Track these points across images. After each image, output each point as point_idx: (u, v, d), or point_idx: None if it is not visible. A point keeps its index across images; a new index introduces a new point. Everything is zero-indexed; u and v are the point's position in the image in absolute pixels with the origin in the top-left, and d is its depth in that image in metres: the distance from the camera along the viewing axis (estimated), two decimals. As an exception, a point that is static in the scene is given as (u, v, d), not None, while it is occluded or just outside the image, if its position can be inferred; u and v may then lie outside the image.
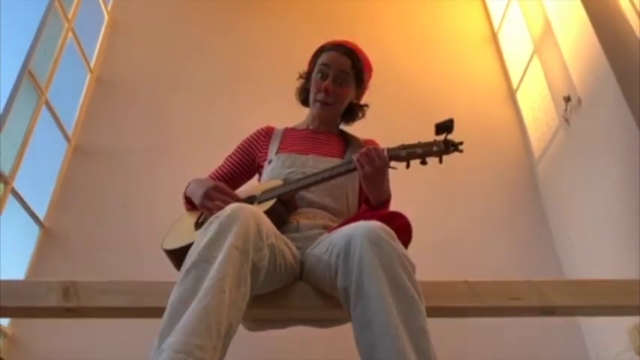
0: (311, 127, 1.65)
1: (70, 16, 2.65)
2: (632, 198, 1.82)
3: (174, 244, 1.40)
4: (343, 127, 1.72)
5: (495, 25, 3.11)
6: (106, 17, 3.00)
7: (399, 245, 1.08)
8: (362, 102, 1.70)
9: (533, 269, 2.27)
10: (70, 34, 2.65)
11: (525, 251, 2.35)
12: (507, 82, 2.91)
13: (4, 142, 2.05)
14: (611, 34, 2.02)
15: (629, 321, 1.76)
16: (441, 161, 1.26)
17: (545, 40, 2.50)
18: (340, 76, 1.57)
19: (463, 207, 2.46)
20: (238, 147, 1.66)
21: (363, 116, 1.71)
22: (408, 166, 1.29)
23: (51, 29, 2.46)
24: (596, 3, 2.11)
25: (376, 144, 1.64)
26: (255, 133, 1.67)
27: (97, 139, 2.60)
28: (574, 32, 2.21)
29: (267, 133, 1.66)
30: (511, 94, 2.86)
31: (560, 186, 2.38)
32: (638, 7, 2.00)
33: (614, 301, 1.28)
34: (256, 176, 1.66)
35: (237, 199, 1.43)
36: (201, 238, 1.06)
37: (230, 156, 1.66)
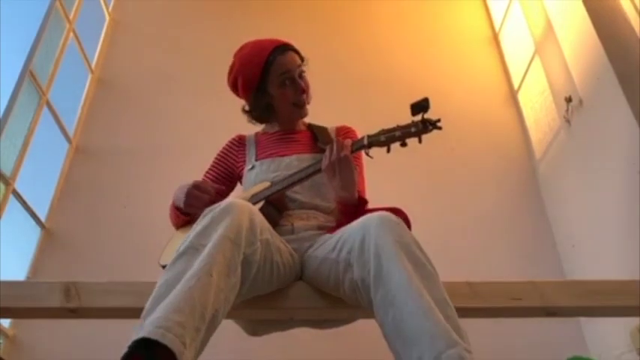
0: (282, 129, 1.64)
1: (71, 16, 2.65)
2: (633, 198, 1.82)
3: (169, 258, 1.40)
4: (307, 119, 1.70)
5: (496, 25, 3.10)
6: (107, 18, 3.01)
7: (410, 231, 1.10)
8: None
9: (535, 270, 2.27)
10: (71, 34, 2.65)
11: (526, 252, 2.35)
12: (508, 82, 2.91)
13: (5, 143, 2.05)
14: (612, 34, 2.02)
15: (631, 322, 1.76)
16: (420, 141, 1.26)
17: (546, 41, 2.50)
18: (301, 72, 1.58)
19: (464, 207, 2.46)
20: (214, 161, 1.66)
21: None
22: (388, 150, 1.30)
23: (52, 30, 2.46)
24: (597, 3, 2.11)
25: (349, 129, 1.65)
26: (227, 144, 1.67)
27: (98, 140, 2.61)
28: (575, 33, 2.21)
29: (239, 142, 1.66)
30: (512, 94, 2.86)
31: (562, 187, 2.37)
32: (639, 7, 2.00)
33: (616, 302, 1.28)
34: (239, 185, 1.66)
35: (218, 191, 1.46)
36: (193, 229, 1.06)
37: (208, 171, 1.65)
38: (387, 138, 1.29)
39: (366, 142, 1.32)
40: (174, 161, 2.48)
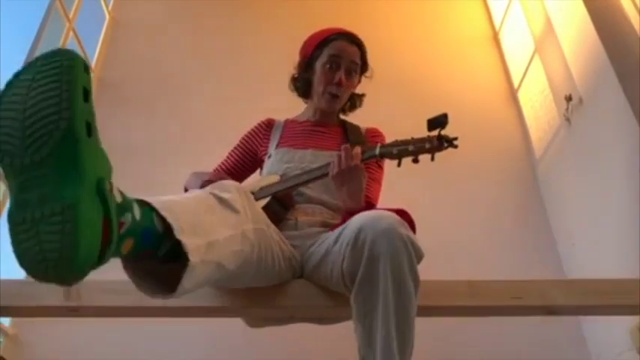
0: (312, 120, 1.62)
1: (71, 15, 2.66)
2: (633, 197, 1.82)
3: None
4: (342, 116, 1.68)
5: (497, 24, 3.11)
6: (107, 17, 3.01)
7: (409, 232, 1.07)
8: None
9: (535, 269, 2.27)
10: (71, 33, 2.65)
11: (526, 251, 2.35)
12: (508, 81, 2.91)
13: (6, 142, 2.05)
14: (612, 32, 2.02)
15: (631, 320, 1.76)
16: (433, 159, 1.23)
17: (546, 40, 2.50)
18: (351, 67, 1.54)
19: (464, 207, 2.46)
20: (240, 141, 1.65)
21: (361, 105, 1.68)
22: (399, 164, 1.27)
23: (52, 29, 2.46)
24: (598, 2, 2.11)
25: (378, 132, 1.63)
26: (256, 127, 1.65)
27: (97, 139, 2.60)
28: (575, 31, 2.21)
29: (267, 126, 1.64)
30: (512, 93, 2.86)
31: (562, 185, 2.38)
32: (638, 6, 2.00)
33: (616, 301, 1.28)
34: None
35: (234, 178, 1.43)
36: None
37: (233, 150, 1.64)
38: (400, 151, 1.25)
39: (377, 152, 1.28)
40: (175, 160, 2.48)
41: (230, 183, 1.09)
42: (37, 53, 2.30)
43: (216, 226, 0.94)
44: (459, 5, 3.20)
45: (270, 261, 1.16)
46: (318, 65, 1.56)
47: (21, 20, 2.56)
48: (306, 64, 1.60)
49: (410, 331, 1.02)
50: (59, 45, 2.54)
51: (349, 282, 1.08)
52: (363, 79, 1.64)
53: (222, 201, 1.01)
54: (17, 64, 2.21)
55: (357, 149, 1.30)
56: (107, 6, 3.00)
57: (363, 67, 1.61)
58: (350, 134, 1.58)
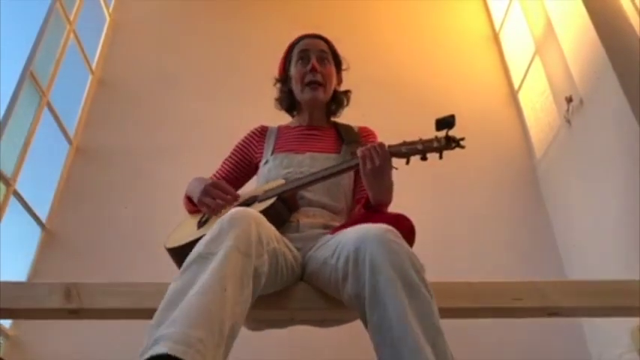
0: (304, 124, 1.63)
1: (71, 17, 2.66)
2: (633, 198, 1.82)
3: (175, 242, 1.40)
4: (333, 118, 1.69)
5: (497, 25, 3.10)
6: (108, 19, 3.01)
7: (408, 246, 1.08)
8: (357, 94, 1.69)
9: (535, 270, 2.27)
10: (72, 35, 2.66)
11: (527, 252, 2.35)
12: (509, 82, 2.91)
13: (6, 144, 2.05)
14: (612, 33, 2.02)
15: (632, 322, 1.76)
16: (441, 157, 1.24)
17: (546, 40, 2.50)
18: (321, 56, 1.59)
19: (465, 208, 2.46)
20: (234, 149, 1.65)
21: (348, 103, 1.69)
22: (407, 162, 1.28)
23: (52, 31, 2.47)
24: (597, 3, 2.11)
25: (371, 131, 1.64)
26: (249, 134, 1.66)
27: (98, 141, 2.61)
28: (575, 32, 2.21)
29: (261, 133, 1.65)
30: (512, 94, 2.86)
31: (562, 187, 2.37)
32: (638, 6, 1.99)
33: (616, 302, 1.28)
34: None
35: (236, 196, 1.43)
36: (202, 239, 1.05)
37: (227, 159, 1.65)
38: (409, 150, 1.26)
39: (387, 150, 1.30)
40: (175, 161, 2.48)
41: (236, 212, 1.06)
42: (38, 55, 2.32)
43: (228, 312, 0.89)
44: (459, 6, 3.20)
45: (279, 276, 1.17)
46: (292, 68, 1.60)
47: (22, 22, 2.56)
48: (283, 78, 1.65)
49: (444, 345, 0.95)
50: (59, 46, 2.54)
51: (359, 304, 1.04)
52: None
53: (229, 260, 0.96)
54: (18, 66, 2.21)
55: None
56: (108, 7, 3.00)
57: (336, 60, 1.63)
58: (344, 134, 1.58)
